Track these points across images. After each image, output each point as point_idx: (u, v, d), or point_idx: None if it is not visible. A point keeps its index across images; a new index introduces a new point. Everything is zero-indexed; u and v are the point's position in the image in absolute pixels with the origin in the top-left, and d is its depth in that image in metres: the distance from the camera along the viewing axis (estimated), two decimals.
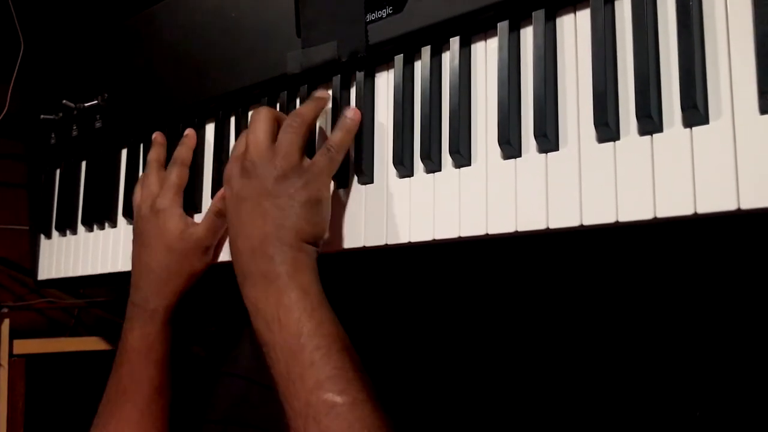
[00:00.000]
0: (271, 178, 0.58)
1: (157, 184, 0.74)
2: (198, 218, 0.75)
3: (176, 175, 0.73)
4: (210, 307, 1.04)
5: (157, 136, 0.80)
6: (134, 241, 0.74)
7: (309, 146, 0.63)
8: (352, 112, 0.62)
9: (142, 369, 0.69)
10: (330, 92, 0.65)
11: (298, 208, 0.58)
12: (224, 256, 0.73)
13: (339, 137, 0.61)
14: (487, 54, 0.57)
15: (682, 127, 0.46)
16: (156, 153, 0.78)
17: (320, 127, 0.67)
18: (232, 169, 0.62)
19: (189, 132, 0.77)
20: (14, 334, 1.07)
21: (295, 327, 0.54)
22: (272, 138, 0.61)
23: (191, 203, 0.76)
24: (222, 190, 0.68)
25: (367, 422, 0.50)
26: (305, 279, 0.57)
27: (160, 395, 0.70)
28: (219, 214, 0.71)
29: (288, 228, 0.57)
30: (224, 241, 0.73)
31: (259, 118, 0.61)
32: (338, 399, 0.51)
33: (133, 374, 0.69)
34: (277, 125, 0.62)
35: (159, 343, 0.70)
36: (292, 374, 0.53)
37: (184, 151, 0.76)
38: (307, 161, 0.60)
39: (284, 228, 0.57)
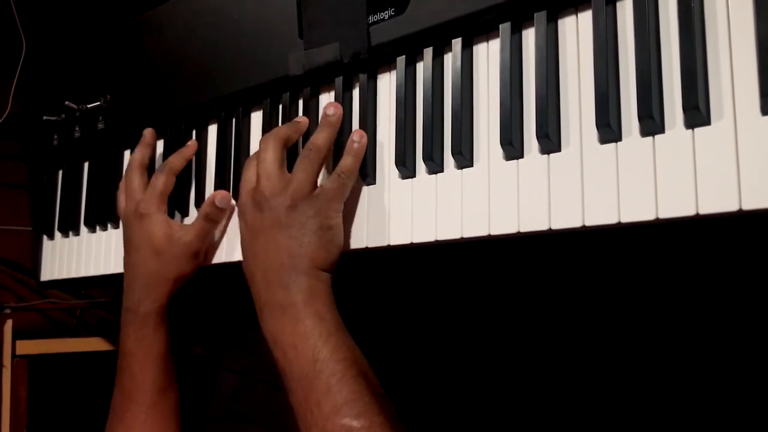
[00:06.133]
0: (282, 210, 0.58)
1: (140, 189, 0.73)
2: None
3: (162, 182, 0.72)
4: (209, 303, 1.04)
5: (146, 134, 0.78)
6: (124, 247, 0.74)
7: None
8: (358, 136, 0.62)
9: (142, 371, 0.69)
10: (341, 110, 0.64)
11: (310, 236, 0.58)
12: (219, 257, 0.73)
13: (350, 163, 0.61)
14: (489, 55, 0.57)
15: (683, 128, 0.46)
16: (140, 154, 0.77)
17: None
18: (245, 202, 0.62)
19: (191, 143, 0.77)
20: (17, 335, 1.07)
21: (310, 353, 0.54)
22: (282, 165, 0.61)
23: (194, 204, 0.76)
24: (212, 195, 0.70)
25: None
26: (320, 306, 0.57)
27: (166, 394, 0.70)
28: (208, 219, 0.70)
29: (301, 256, 0.58)
30: (218, 243, 0.73)
31: (267, 147, 0.61)
32: (355, 423, 0.51)
33: (134, 377, 0.70)
34: (285, 149, 0.62)
35: (156, 343, 0.70)
36: (309, 402, 0.53)
37: (177, 159, 0.75)
38: (317, 188, 0.60)
39: (298, 257, 0.58)
